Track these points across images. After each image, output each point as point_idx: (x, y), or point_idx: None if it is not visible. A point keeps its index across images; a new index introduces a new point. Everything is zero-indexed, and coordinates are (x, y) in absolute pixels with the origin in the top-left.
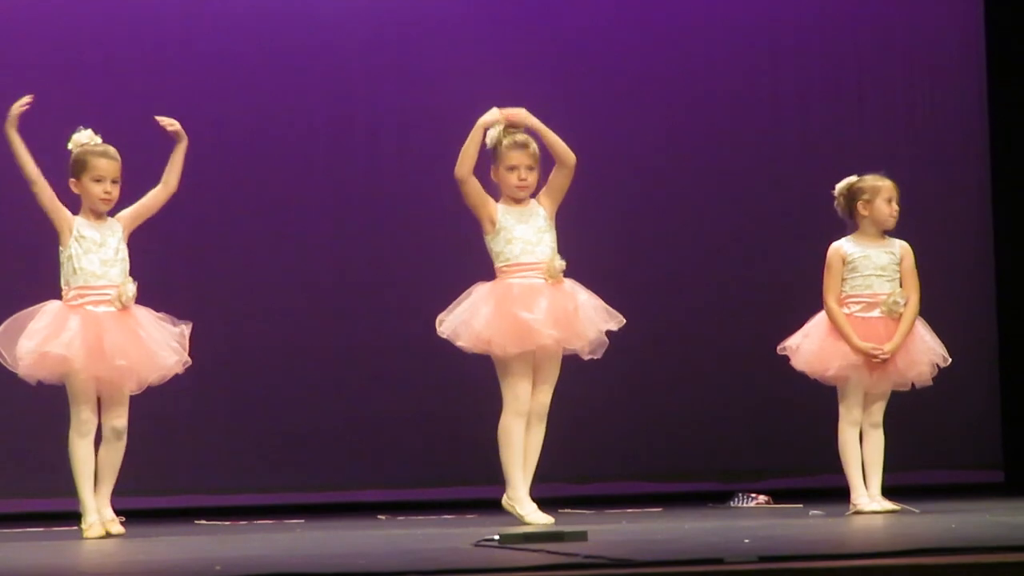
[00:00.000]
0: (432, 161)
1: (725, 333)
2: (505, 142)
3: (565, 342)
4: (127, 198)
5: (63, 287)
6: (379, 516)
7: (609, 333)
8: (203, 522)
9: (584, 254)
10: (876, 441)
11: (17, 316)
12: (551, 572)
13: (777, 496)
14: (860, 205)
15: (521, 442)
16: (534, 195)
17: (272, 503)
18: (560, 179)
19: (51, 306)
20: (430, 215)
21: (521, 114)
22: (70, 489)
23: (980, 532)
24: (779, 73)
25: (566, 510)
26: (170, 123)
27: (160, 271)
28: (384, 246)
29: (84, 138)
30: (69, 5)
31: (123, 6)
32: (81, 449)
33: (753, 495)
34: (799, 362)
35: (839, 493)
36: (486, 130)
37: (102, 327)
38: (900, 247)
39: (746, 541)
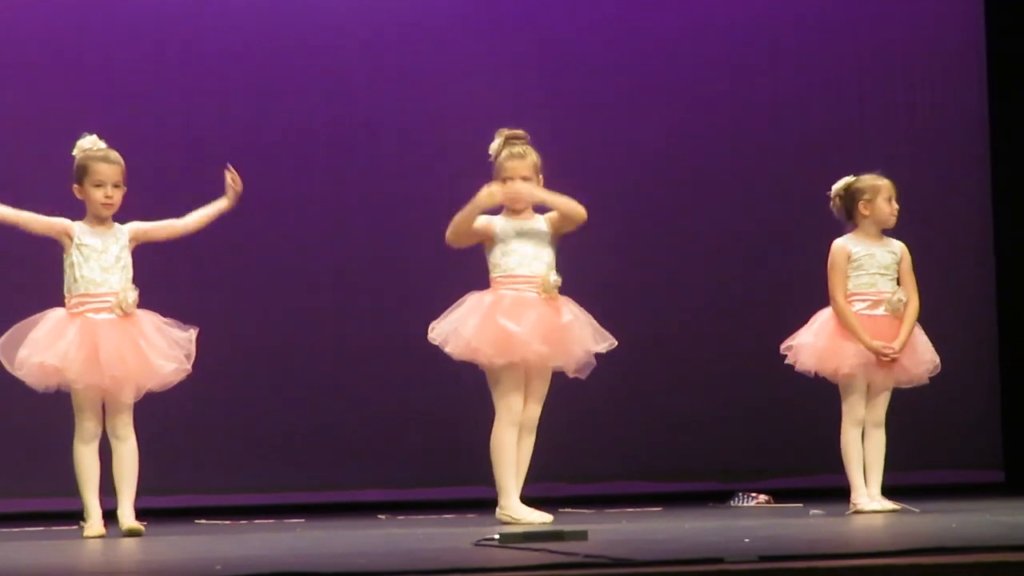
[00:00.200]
0: (433, 162)
1: (725, 333)
2: (503, 154)
3: (550, 358)
4: (128, 199)
5: (66, 294)
6: (379, 516)
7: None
8: (203, 521)
9: (584, 254)
10: (878, 441)
11: (21, 324)
12: (551, 571)
13: (777, 496)
14: (861, 205)
15: (514, 453)
16: (543, 211)
17: (272, 503)
18: (565, 227)
19: (52, 314)
20: (431, 216)
21: (523, 191)
22: (71, 489)
23: (980, 532)
24: (779, 73)
25: (566, 510)
26: (234, 182)
27: (159, 271)
28: (384, 246)
29: (87, 143)
30: (69, 5)
31: (123, 6)
32: (84, 456)
33: (753, 495)
34: (806, 361)
35: (839, 493)
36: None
37: (99, 336)
38: (900, 247)
39: (746, 541)
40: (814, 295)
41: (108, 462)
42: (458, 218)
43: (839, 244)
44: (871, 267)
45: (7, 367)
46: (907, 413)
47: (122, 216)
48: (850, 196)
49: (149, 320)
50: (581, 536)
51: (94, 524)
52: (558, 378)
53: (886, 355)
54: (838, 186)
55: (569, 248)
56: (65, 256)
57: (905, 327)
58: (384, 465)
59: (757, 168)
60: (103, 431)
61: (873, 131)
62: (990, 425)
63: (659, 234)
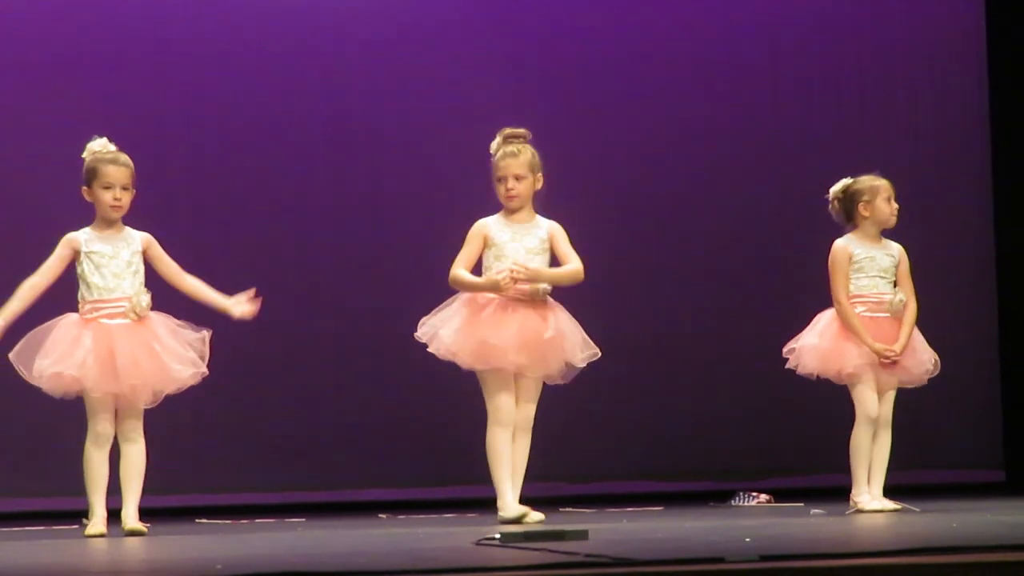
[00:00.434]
0: (434, 162)
1: (726, 332)
2: (499, 152)
3: (527, 369)
4: (136, 198)
5: (79, 300)
6: (380, 515)
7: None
8: (204, 521)
9: (585, 254)
10: (884, 441)
11: (35, 331)
12: (552, 571)
13: (778, 495)
14: (861, 206)
15: (507, 454)
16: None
17: (273, 502)
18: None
19: (67, 321)
20: (431, 216)
21: (528, 274)
22: (72, 489)
23: (981, 531)
24: (780, 73)
25: (567, 509)
26: (251, 304)
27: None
28: (385, 246)
29: (97, 146)
30: (70, 5)
31: (124, 6)
32: (96, 459)
33: (754, 494)
34: (808, 363)
35: (840, 492)
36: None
37: (115, 342)
38: (898, 250)
39: (747, 540)
40: (815, 295)
41: (114, 462)
42: (462, 284)
43: (840, 245)
44: (871, 270)
45: (24, 376)
46: (908, 413)
47: (127, 219)
48: (849, 198)
49: (163, 323)
50: (582, 535)
51: (96, 523)
52: None
53: (888, 357)
54: (836, 188)
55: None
56: (77, 265)
57: (905, 329)
58: (385, 464)
59: (758, 168)
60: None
61: (873, 131)
62: (991, 425)
63: (658, 233)
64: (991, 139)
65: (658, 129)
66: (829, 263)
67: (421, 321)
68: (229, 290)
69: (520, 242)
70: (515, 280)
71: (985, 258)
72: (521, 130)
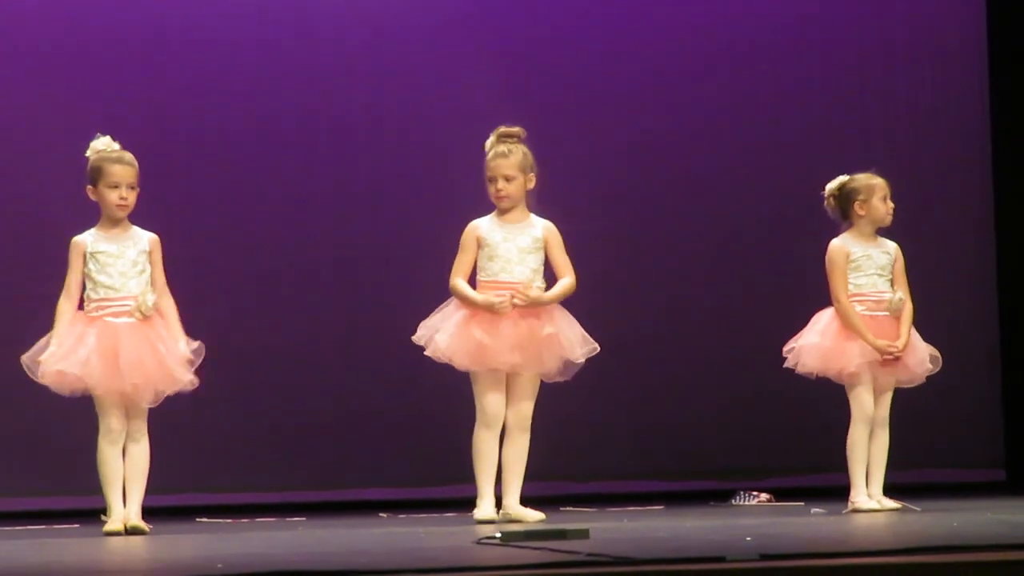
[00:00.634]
0: (434, 162)
1: (727, 331)
2: (490, 152)
3: (522, 367)
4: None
5: (85, 299)
6: (381, 514)
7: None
8: (205, 520)
9: (585, 253)
10: (882, 441)
11: (48, 337)
12: (553, 570)
13: (779, 494)
14: (857, 205)
15: (490, 454)
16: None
17: (274, 501)
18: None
19: (74, 320)
20: (431, 216)
21: (529, 301)
22: (76, 487)
23: (982, 530)
24: (780, 72)
25: (568, 508)
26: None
27: None
28: (386, 245)
29: (101, 145)
30: (71, 5)
31: (124, 6)
32: (109, 455)
33: (755, 493)
34: (808, 362)
35: (840, 491)
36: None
37: (119, 341)
38: (894, 248)
39: (748, 539)
40: (817, 295)
41: None
42: (461, 297)
43: (837, 244)
44: (868, 268)
45: (32, 376)
46: (908, 412)
47: (133, 218)
48: (845, 196)
49: (165, 324)
50: (583, 534)
51: (116, 521)
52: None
53: (890, 354)
54: (832, 186)
55: (571, 246)
56: (84, 267)
57: (904, 326)
58: (385, 463)
59: (759, 167)
60: None
61: (873, 131)
62: (991, 423)
63: (658, 232)
64: (991, 139)
65: (658, 129)
66: (826, 263)
67: (420, 324)
68: (231, 289)
69: (513, 242)
70: (513, 306)
71: (985, 258)
72: (515, 129)
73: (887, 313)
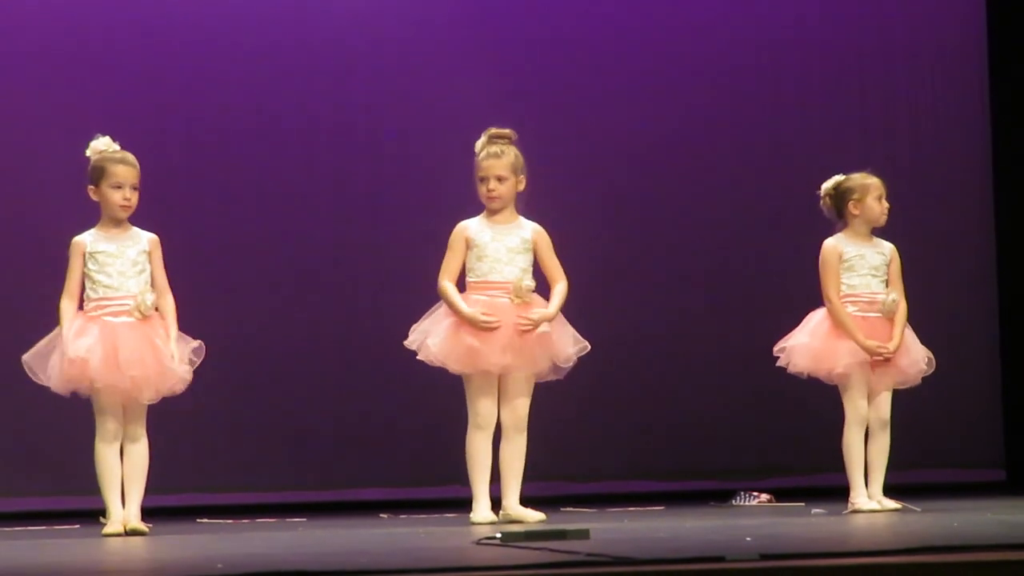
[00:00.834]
0: (434, 163)
1: (727, 331)
2: (482, 153)
3: (514, 368)
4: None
5: (84, 299)
6: (381, 514)
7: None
8: (205, 520)
9: (583, 253)
10: (882, 441)
11: (50, 337)
12: (553, 570)
13: (779, 494)
14: (851, 205)
15: (484, 457)
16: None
17: (274, 501)
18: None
19: (74, 319)
20: (431, 216)
21: (535, 323)
22: (75, 488)
23: (982, 531)
24: (780, 72)
25: (568, 508)
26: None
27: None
28: (385, 246)
29: (102, 145)
30: (71, 5)
31: (124, 6)
32: (107, 456)
33: (755, 493)
34: (799, 362)
35: (841, 491)
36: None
37: (119, 338)
38: (889, 249)
39: (748, 539)
40: (817, 295)
41: None
42: (447, 301)
43: (830, 244)
44: (862, 268)
45: (32, 377)
46: (908, 412)
47: (133, 218)
48: (840, 195)
49: (164, 324)
50: (583, 535)
51: (115, 523)
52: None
53: (881, 355)
54: (827, 185)
55: (568, 246)
56: (84, 267)
57: (897, 328)
58: (386, 463)
59: (759, 167)
60: None
61: (873, 131)
62: (991, 424)
63: (658, 232)
64: (991, 139)
65: (657, 128)
66: (820, 262)
67: (412, 328)
68: (231, 290)
69: (501, 242)
70: (499, 327)
71: (985, 258)
72: (506, 130)
73: (880, 314)
